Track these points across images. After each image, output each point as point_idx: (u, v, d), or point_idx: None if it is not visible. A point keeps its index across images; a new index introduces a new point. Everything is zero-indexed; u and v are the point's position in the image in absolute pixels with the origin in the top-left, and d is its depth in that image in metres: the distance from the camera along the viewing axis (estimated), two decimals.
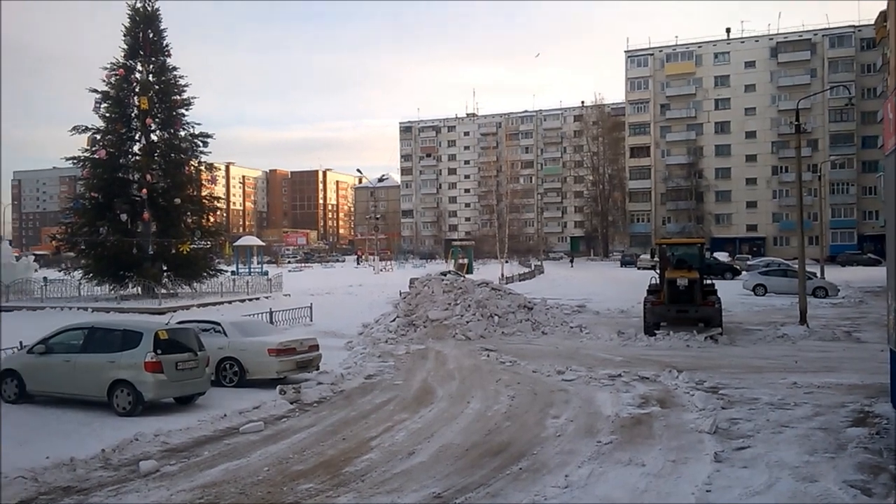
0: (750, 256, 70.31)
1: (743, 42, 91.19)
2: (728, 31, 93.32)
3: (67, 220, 35.20)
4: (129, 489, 8.11)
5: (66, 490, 8.10)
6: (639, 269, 57.88)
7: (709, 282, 22.08)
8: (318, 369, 15.08)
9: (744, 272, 47.25)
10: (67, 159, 33.35)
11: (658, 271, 22.87)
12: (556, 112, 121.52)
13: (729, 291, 28.89)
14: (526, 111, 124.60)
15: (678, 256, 22.30)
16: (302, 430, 10.86)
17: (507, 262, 60.79)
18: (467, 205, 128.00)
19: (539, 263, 69.41)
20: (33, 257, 49.57)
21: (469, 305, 22.30)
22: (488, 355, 17.66)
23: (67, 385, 12.06)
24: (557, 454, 9.22)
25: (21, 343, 13.85)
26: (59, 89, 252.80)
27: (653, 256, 27.17)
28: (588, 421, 10.99)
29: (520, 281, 46.84)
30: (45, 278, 34.60)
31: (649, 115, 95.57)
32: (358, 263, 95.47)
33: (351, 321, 23.49)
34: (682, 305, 20.32)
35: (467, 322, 21.44)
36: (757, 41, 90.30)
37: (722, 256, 60.35)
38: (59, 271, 37.30)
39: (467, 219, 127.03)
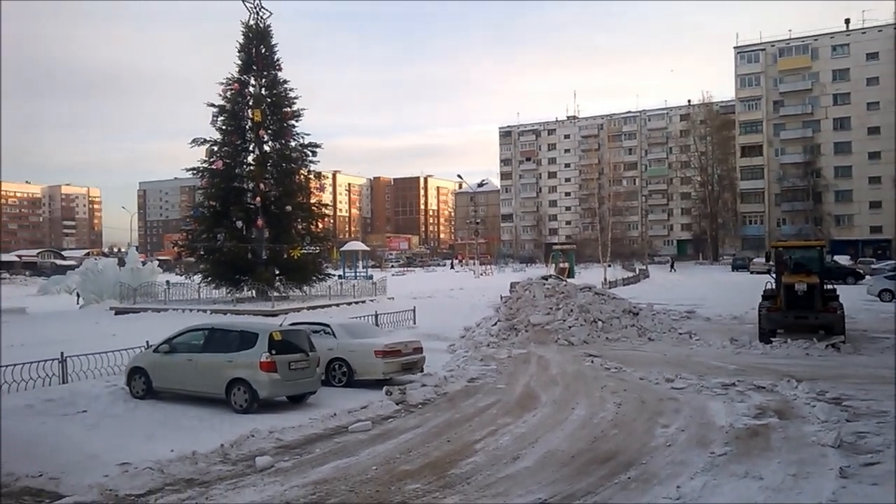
0: (874, 260, 65.57)
1: (864, 33, 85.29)
2: (847, 22, 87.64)
3: (188, 228, 37.36)
4: (245, 483, 8.49)
5: (189, 482, 8.57)
6: (752, 273, 55.20)
7: (830, 287, 20.76)
8: (422, 371, 15.29)
9: (867, 276, 44.15)
10: (188, 170, 35.42)
11: (774, 276, 21.71)
12: (661, 112, 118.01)
13: (852, 297, 27.04)
14: (629, 112, 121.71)
15: (796, 260, 21.09)
16: (408, 430, 11.03)
17: (609, 265, 59.52)
18: (568, 208, 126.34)
19: (644, 267, 67.55)
20: (157, 262, 53.01)
21: (571, 310, 21.97)
22: (592, 361, 17.34)
23: (189, 382, 12.78)
24: (668, 464, 8.92)
25: (147, 342, 14.77)
26: (180, 105, 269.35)
27: (768, 260, 25.78)
28: (700, 431, 10.57)
29: (624, 285, 45.74)
30: (167, 282, 36.92)
31: (761, 113, 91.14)
32: (452, 267, 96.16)
33: (453, 324, 23.67)
34: (800, 311, 19.20)
35: (570, 327, 21.13)
36: (880, 31, 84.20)
37: (843, 260, 56.59)
38: (181, 275, 39.66)
39: (568, 222, 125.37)
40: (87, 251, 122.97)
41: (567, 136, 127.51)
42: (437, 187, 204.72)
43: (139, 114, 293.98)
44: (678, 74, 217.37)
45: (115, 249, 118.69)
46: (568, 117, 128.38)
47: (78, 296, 38.61)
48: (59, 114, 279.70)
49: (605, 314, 22.11)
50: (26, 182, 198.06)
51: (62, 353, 14.21)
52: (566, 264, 58.18)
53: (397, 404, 12.81)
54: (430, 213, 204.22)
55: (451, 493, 7.96)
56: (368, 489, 8.16)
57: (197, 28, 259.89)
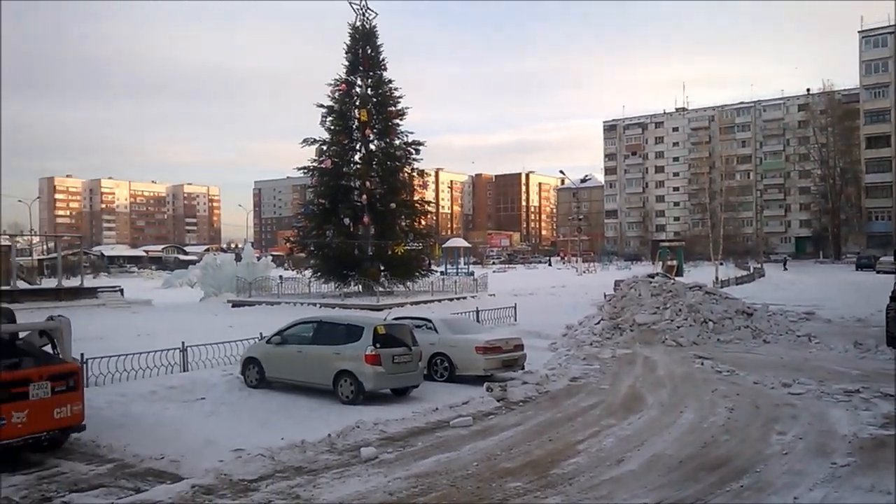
0: None
1: None
2: None
3: (299, 225, 38.82)
4: (351, 473, 8.72)
5: (298, 470, 8.89)
6: (878, 272, 51.42)
7: None
8: (523, 369, 15.20)
9: None
10: (299, 169, 36.78)
11: None
12: (777, 102, 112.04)
13: None
14: (742, 102, 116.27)
15: None
16: (509, 428, 11.00)
17: (721, 264, 57.04)
18: (676, 204, 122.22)
19: (759, 266, 64.31)
20: (271, 257, 55.36)
21: (680, 309, 21.22)
22: (702, 363, 16.67)
23: (299, 373, 13.27)
24: (784, 474, 8.44)
25: (261, 334, 15.44)
26: (293, 106, 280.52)
27: None
28: (820, 439, 9.95)
29: (736, 284, 43.71)
30: (280, 276, 38.52)
31: (889, 101, 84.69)
32: (550, 264, 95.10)
33: (554, 322, 23.39)
34: None
35: (678, 327, 20.41)
36: None
37: None
38: (293, 270, 41.24)
39: (676, 218, 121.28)
40: (206, 247, 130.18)
41: (675, 129, 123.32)
42: (539, 183, 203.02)
43: (256, 115, 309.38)
44: (796, 62, 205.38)
45: (233, 245, 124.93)
46: (676, 109, 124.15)
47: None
48: (184, 115, 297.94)
49: (717, 314, 21.22)
50: (152, 182, 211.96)
51: (183, 343, 15.10)
52: (674, 262, 56.28)
53: (498, 401, 12.80)
54: (532, 209, 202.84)
55: (553, 494, 7.87)
56: (469, 485, 8.19)
57: (310, 30, 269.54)
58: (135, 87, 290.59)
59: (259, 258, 45.92)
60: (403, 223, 36.26)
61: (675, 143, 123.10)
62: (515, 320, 25.05)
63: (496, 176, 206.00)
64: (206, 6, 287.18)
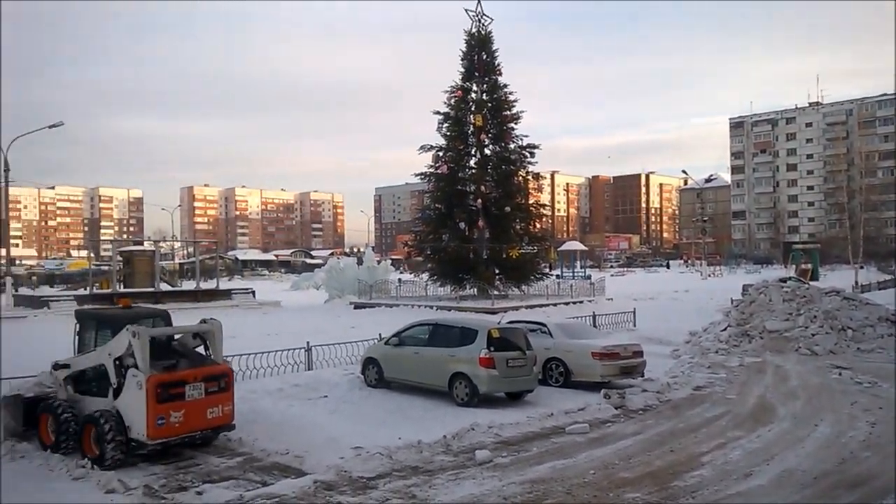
0: None
1: None
2: None
3: (416, 229, 39.58)
4: (466, 475, 8.78)
5: (415, 469, 9.05)
6: None
7: None
8: (642, 376, 14.74)
9: None
10: (416, 175, 37.50)
11: None
12: None
13: None
14: (884, 94, 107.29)
15: None
16: (627, 436, 10.70)
17: (861, 267, 52.86)
18: (811, 203, 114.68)
19: None
20: (390, 261, 56.80)
21: (815, 316, 19.85)
22: (840, 374, 15.53)
23: (415, 374, 13.52)
24: None
25: (380, 335, 15.86)
26: (412, 115, 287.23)
27: None
28: None
29: (879, 289, 40.32)
30: (399, 279, 39.44)
31: None
32: (668, 267, 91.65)
33: (677, 328, 22.53)
34: None
35: (813, 335, 19.10)
36: None
37: None
38: (411, 273, 42.09)
39: (811, 219, 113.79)
40: (331, 251, 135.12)
41: (809, 125, 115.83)
42: (660, 184, 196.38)
43: (378, 125, 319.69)
44: None
45: (355, 249, 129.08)
46: (810, 104, 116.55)
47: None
48: (311, 127, 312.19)
49: (856, 321, 19.68)
50: (282, 190, 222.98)
51: (308, 343, 15.76)
52: (809, 265, 52.70)
53: (616, 408, 12.49)
54: (652, 211, 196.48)
55: None
56: (585, 493, 8.04)
57: (431, 41, 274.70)
58: (266, 102, 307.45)
59: (379, 262, 47.14)
60: (518, 227, 36.18)
61: (809, 140, 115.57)
62: (634, 326, 24.37)
63: (614, 177, 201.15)
64: (332, 23, 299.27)
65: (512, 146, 36.32)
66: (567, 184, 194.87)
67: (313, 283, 48.56)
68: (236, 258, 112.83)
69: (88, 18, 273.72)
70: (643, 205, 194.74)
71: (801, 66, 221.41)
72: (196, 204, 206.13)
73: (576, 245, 66.62)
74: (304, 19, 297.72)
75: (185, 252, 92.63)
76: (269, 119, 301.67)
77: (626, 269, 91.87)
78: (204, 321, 10.29)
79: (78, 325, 10.61)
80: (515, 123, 36.16)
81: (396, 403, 12.70)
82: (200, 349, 10.22)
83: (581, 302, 32.13)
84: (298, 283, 57.26)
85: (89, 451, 9.11)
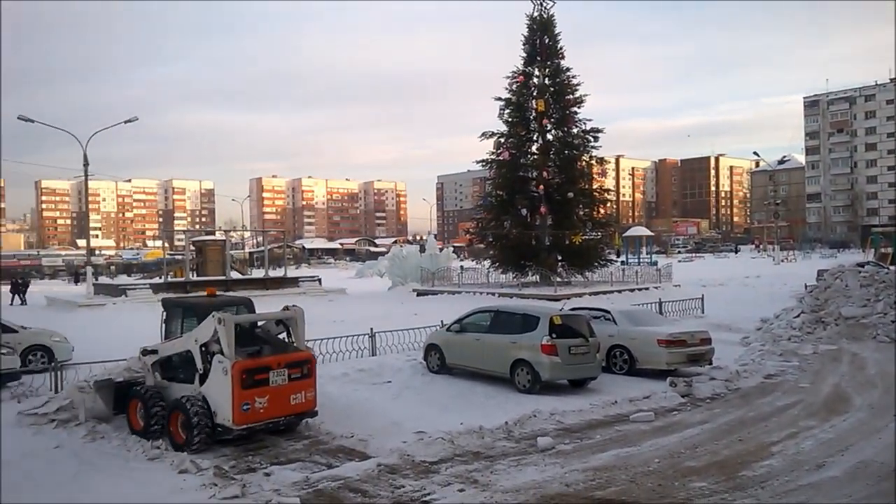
0: None
1: None
2: None
3: (478, 216, 39.58)
4: (527, 462, 8.77)
5: (476, 455, 9.10)
6: None
7: None
8: (710, 364, 14.38)
9: None
10: (478, 162, 37.49)
11: None
12: None
13: None
14: None
15: None
16: (694, 425, 10.48)
17: None
18: (892, 184, 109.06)
19: None
20: (452, 249, 56.97)
21: (895, 302, 18.95)
22: None
23: (477, 361, 13.55)
24: None
25: (441, 321, 15.97)
26: (473, 102, 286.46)
27: None
28: None
29: None
30: (461, 267, 39.55)
31: None
32: (736, 252, 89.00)
33: (747, 315, 21.88)
34: None
35: (892, 321, 18.23)
36: None
37: None
38: (473, 260, 42.14)
39: (891, 201, 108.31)
40: (394, 239, 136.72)
41: (889, 102, 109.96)
42: (730, 167, 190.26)
43: (439, 113, 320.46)
44: None
45: (417, 237, 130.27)
46: (891, 80, 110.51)
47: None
48: (374, 118, 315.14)
49: None
50: (346, 179, 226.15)
51: (371, 329, 16.00)
52: (889, 250, 50.24)
53: (682, 397, 12.24)
54: (722, 194, 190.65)
55: (742, 497, 7.40)
56: (650, 482, 7.93)
57: (491, 26, 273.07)
58: (331, 95, 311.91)
59: (441, 249, 47.42)
60: (581, 212, 35.74)
61: (890, 118, 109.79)
62: (703, 312, 23.82)
63: (682, 160, 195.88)
64: (395, 13, 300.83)
65: (575, 131, 35.88)
66: (633, 168, 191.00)
67: (377, 271, 49.17)
68: (303, 247, 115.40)
69: (161, 19, 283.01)
70: (712, 188, 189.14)
71: (881, 39, 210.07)
72: (264, 194, 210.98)
73: (641, 230, 65.28)
74: (367, 10, 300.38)
75: (255, 241, 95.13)
76: (335, 111, 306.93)
77: (694, 254, 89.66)
78: (286, 308, 10.26)
79: (165, 314, 10.88)
80: (578, 107, 35.73)
81: (458, 389, 12.78)
82: (283, 336, 10.26)
83: (647, 289, 31.54)
84: (363, 270, 58.10)
85: (177, 437, 9.32)
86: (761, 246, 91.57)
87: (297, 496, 7.50)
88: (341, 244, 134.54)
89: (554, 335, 12.42)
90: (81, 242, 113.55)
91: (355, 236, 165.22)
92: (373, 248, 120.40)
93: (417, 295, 34.01)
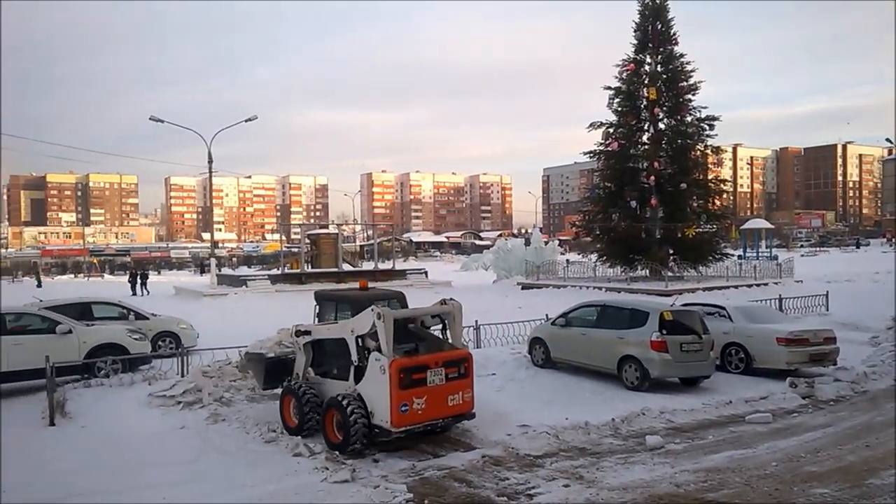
0: None
1: None
2: None
3: (585, 209, 38.85)
4: (635, 460, 8.57)
5: (582, 451, 8.99)
6: None
7: None
8: (834, 364, 13.51)
9: None
10: (585, 153, 36.73)
11: None
12: None
13: None
14: None
15: None
16: (816, 428, 9.90)
17: None
18: None
19: None
20: (558, 242, 56.23)
21: None
22: None
23: (583, 356, 13.35)
24: None
25: (546, 315, 15.83)
26: (580, 93, 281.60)
27: None
28: None
29: None
30: (567, 260, 39.04)
31: None
32: (858, 247, 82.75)
33: (877, 313, 20.29)
34: None
35: None
36: None
37: None
38: (579, 254, 41.52)
39: None
40: (499, 232, 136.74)
41: None
42: (860, 155, 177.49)
43: (545, 105, 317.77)
44: None
45: (522, 230, 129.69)
46: None
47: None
48: (480, 112, 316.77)
49: None
50: (452, 174, 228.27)
51: (476, 322, 16.10)
52: None
53: (803, 398, 11.59)
54: (850, 184, 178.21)
55: None
56: (766, 485, 7.56)
57: (595, 15, 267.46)
58: (437, 91, 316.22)
59: (547, 243, 46.91)
60: (695, 204, 34.38)
61: None
62: (827, 310, 22.42)
63: (805, 149, 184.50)
64: (500, 6, 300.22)
65: (689, 119, 34.54)
66: (751, 157, 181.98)
67: (482, 264, 49.33)
68: (410, 240, 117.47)
69: (280, 19, 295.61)
70: (839, 178, 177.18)
71: None
72: (374, 189, 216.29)
73: (760, 223, 61.91)
74: (472, 3, 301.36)
75: (365, 235, 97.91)
76: (442, 106, 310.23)
77: (818, 248, 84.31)
78: (444, 302, 9.64)
79: (318, 307, 10.99)
80: (692, 95, 34.33)
81: (563, 384, 12.65)
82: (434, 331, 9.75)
83: (766, 284, 29.99)
84: (468, 263, 58.44)
85: (332, 437, 9.01)
86: (893, 240, 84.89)
87: (403, 483, 7.68)
88: (447, 237, 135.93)
89: (664, 331, 12.05)
90: (206, 236, 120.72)
91: (461, 230, 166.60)
92: (478, 242, 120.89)
93: (522, 288, 33.86)
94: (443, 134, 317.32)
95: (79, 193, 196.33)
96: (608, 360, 12.68)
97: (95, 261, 78.15)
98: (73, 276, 66.07)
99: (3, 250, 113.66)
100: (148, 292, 38.42)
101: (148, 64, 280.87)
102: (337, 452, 8.80)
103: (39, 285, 47.55)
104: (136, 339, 14.20)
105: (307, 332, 9.99)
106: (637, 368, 12.18)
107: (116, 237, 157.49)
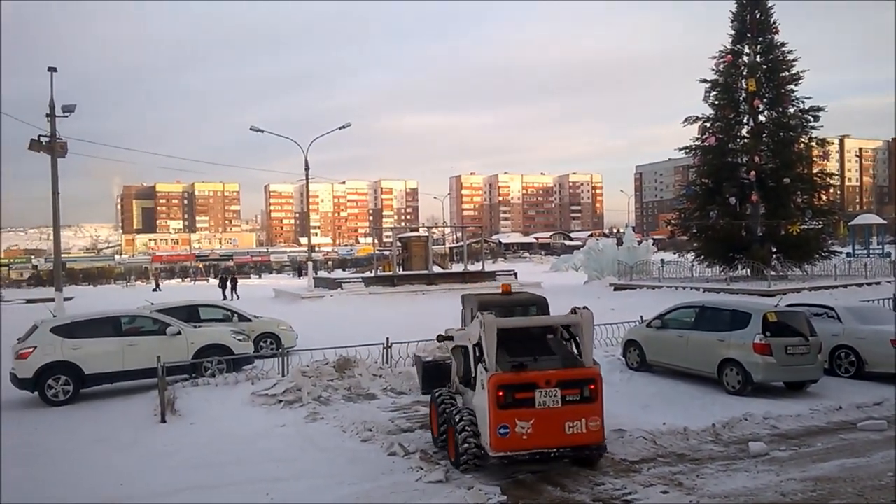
0: None
1: None
2: None
3: (680, 206, 37.77)
4: (737, 467, 8.25)
5: (680, 457, 8.72)
6: None
7: None
8: None
9: None
10: (680, 149, 35.73)
11: None
12: None
13: None
14: None
15: None
16: None
17: None
18: None
19: None
20: (652, 241, 54.91)
21: None
22: None
23: (680, 359, 12.97)
24: None
25: (641, 317, 15.47)
26: (674, 88, 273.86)
27: None
28: None
29: None
30: (662, 260, 38.02)
31: None
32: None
33: None
34: None
35: None
36: None
37: None
38: (674, 253, 40.34)
39: None
40: (590, 232, 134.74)
41: None
42: None
43: (635, 101, 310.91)
44: None
45: (614, 230, 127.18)
46: None
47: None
48: (567, 111, 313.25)
49: None
50: (541, 174, 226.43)
51: None
52: None
53: None
54: None
55: None
56: (882, 498, 7.12)
57: (686, 6, 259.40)
58: (525, 91, 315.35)
59: (640, 242, 45.91)
60: (799, 199, 32.83)
61: None
62: None
63: None
64: (586, 3, 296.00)
65: (791, 110, 33.10)
66: (860, 149, 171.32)
67: (572, 265, 48.76)
68: (499, 241, 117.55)
69: (366, 30, 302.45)
70: None
71: None
72: (463, 192, 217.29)
73: (871, 218, 58.25)
74: (558, 1, 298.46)
75: (454, 237, 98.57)
76: (530, 106, 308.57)
77: None
78: (574, 311, 8.29)
79: (463, 309, 10.79)
80: (795, 85, 32.90)
81: (659, 388, 12.33)
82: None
83: (878, 283, 28.21)
84: (558, 264, 57.90)
85: (450, 451, 8.43)
86: None
87: (497, 485, 7.68)
88: (536, 238, 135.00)
89: (768, 333, 11.54)
90: (303, 240, 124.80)
91: (550, 230, 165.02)
92: (568, 242, 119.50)
93: (614, 289, 33.20)
94: (532, 134, 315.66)
95: (185, 202, 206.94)
96: (708, 364, 12.26)
97: (201, 265, 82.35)
98: (180, 280, 69.89)
99: (117, 256, 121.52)
100: (238, 296, 39.95)
101: (248, 76, 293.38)
102: (431, 454, 8.88)
103: (157, 289, 50.76)
104: (239, 340, 14.86)
105: (450, 338, 9.42)
106: (739, 372, 11.72)
107: (220, 242, 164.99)
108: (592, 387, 7.83)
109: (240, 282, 46.91)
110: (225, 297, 38.70)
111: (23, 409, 12.85)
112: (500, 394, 7.56)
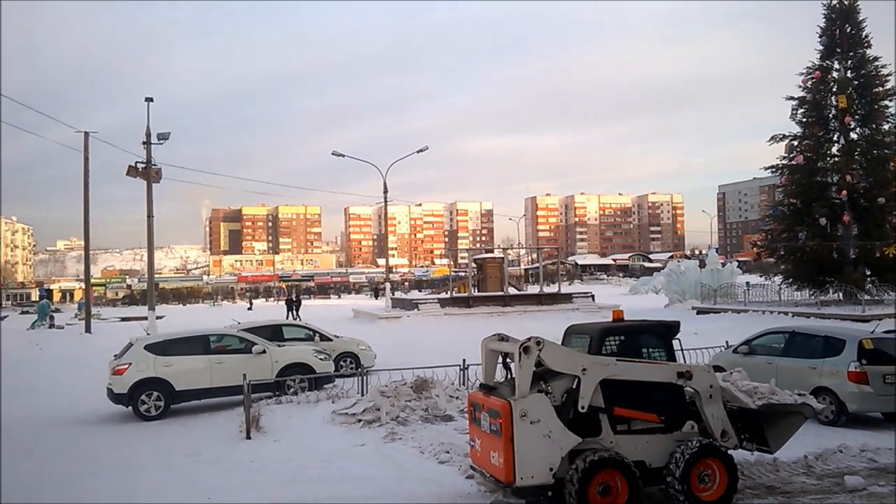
0: None
1: None
2: None
3: (767, 227, 36.54)
4: (832, 501, 7.86)
5: (770, 489, 8.36)
6: None
7: None
8: None
9: None
10: (766, 168, 34.64)
11: None
12: None
13: None
14: None
15: None
16: None
17: None
18: None
19: None
20: (736, 263, 53.11)
21: None
22: None
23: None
24: None
25: (727, 342, 14.96)
26: (758, 105, 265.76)
27: None
28: None
29: None
30: (747, 283, 36.74)
31: None
32: None
33: None
34: None
35: None
36: None
37: None
38: (761, 276, 38.88)
39: None
40: (670, 254, 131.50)
41: None
42: None
43: (717, 120, 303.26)
44: None
45: (696, 252, 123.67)
46: None
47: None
48: (647, 130, 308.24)
49: None
50: (619, 194, 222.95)
51: None
52: None
53: None
54: None
55: None
56: None
57: (769, 22, 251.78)
58: (601, 111, 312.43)
59: (724, 264, 44.49)
60: (895, 220, 31.14)
61: None
62: None
63: None
64: (662, 20, 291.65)
65: (886, 127, 31.72)
66: None
67: (652, 287, 47.78)
68: (576, 263, 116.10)
69: (444, 53, 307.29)
70: None
71: None
72: (538, 213, 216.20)
73: None
74: (634, 20, 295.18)
75: (530, 258, 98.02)
76: (607, 126, 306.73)
77: None
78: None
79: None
80: (890, 100, 31.43)
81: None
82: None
83: None
84: (637, 286, 56.76)
85: None
86: None
87: None
88: (614, 260, 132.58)
89: (864, 361, 10.99)
90: (381, 261, 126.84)
91: (628, 251, 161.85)
92: (647, 264, 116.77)
93: (697, 313, 32.23)
94: (608, 154, 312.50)
95: (270, 224, 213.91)
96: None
97: (284, 286, 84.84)
98: (264, 300, 72.20)
99: (204, 276, 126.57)
100: (299, 318, 40.08)
101: (329, 103, 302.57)
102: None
103: (251, 308, 52.85)
104: (321, 359, 15.20)
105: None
106: (832, 402, 11.17)
107: (302, 263, 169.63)
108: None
109: (314, 302, 47.87)
110: (288, 318, 39.54)
111: (119, 423, 13.51)
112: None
